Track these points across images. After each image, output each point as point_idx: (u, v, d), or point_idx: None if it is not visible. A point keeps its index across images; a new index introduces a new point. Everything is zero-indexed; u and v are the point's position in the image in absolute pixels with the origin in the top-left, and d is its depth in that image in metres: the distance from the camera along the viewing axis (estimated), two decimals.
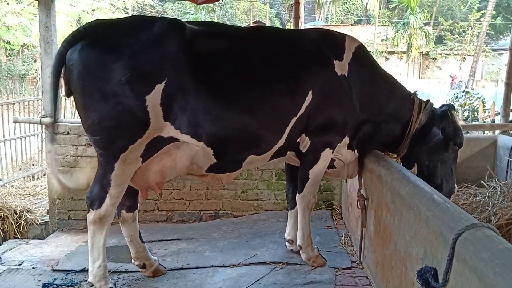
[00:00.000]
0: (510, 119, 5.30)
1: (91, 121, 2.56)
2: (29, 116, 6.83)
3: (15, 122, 5.67)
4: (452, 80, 25.24)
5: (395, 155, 3.37)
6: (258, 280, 3.13)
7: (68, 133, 4.38)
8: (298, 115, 2.93)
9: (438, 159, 3.23)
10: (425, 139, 3.24)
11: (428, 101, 3.33)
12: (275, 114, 2.88)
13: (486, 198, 3.80)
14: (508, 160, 4.42)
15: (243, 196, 4.65)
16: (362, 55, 3.19)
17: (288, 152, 3.16)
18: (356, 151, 3.27)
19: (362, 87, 3.11)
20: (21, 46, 19.50)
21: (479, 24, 28.23)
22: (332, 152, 3.13)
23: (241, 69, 2.80)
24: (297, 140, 3.08)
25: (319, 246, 3.57)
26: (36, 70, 19.89)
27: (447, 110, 3.21)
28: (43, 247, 3.97)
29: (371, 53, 3.53)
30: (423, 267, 1.76)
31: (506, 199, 3.66)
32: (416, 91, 3.41)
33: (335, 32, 3.31)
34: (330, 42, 3.12)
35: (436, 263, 1.73)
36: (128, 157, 2.61)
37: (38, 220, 4.80)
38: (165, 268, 3.31)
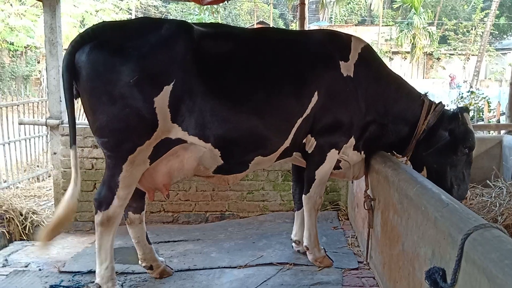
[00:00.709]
0: None
1: (99, 123, 2.57)
2: (33, 117, 6.86)
3: (20, 123, 5.70)
4: (451, 80, 25.17)
5: (401, 156, 3.36)
6: (265, 281, 3.13)
7: None
8: (304, 116, 2.94)
9: (446, 162, 3.14)
10: (431, 141, 3.20)
11: (440, 103, 3.27)
12: (281, 115, 2.89)
13: (492, 198, 3.79)
14: None
15: (249, 197, 4.65)
16: (368, 55, 3.18)
17: (294, 153, 3.16)
18: (362, 152, 3.26)
19: (368, 88, 3.10)
20: (24, 47, 19.61)
21: (483, 24, 28.14)
22: (338, 153, 3.13)
23: (247, 70, 2.81)
24: (303, 141, 3.08)
25: (325, 247, 3.57)
26: (39, 71, 19.99)
27: (458, 112, 3.14)
28: (49, 248, 3.96)
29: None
30: (431, 267, 1.76)
31: None
32: (427, 93, 3.37)
33: (341, 33, 3.31)
34: (335, 43, 3.12)
35: (445, 264, 1.73)
36: (136, 159, 2.63)
37: (43, 222, 4.80)
38: (172, 269, 3.32)
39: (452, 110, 3.28)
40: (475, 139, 3.18)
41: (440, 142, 3.15)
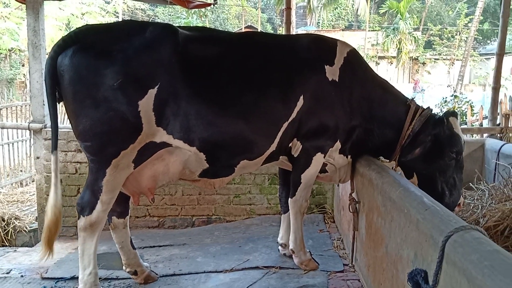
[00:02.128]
0: (497, 122, 5.38)
1: (82, 127, 2.54)
2: (16, 121, 6.76)
3: (2, 127, 5.62)
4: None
5: (388, 161, 3.35)
6: (251, 285, 3.12)
7: None
8: (290, 119, 2.94)
9: (435, 168, 3.12)
10: (415, 146, 3.15)
11: (428, 108, 3.27)
12: (267, 119, 2.89)
13: (475, 200, 3.84)
14: (496, 163, 4.48)
15: (236, 201, 4.64)
16: (354, 60, 3.19)
17: (281, 156, 3.16)
18: (349, 156, 3.27)
19: (353, 92, 3.11)
20: (8, 50, 19.32)
21: (467, 29, 28.68)
22: (324, 157, 3.14)
23: (233, 74, 2.81)
24: (289, 145, 3.08)
25: (311, 249, 3.58)
26: (24, 74, 19.72)
27: (444, 117, 3.12)
28: (32, 254, 3.92)
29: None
30: (413, 269, 1.77)
31: (494, 201, 3.70)
32: (414, 97, 3.37)
33: (327, 37, 3.31)
34: (321, 47, 3.14)
35: (426, 265, 1.75)
36: (120, 163, 2.60)
37: (26, 228, 4.75)
38: (157, 274, 3.29)
39: (439, 114, 3.26)
40: (462, 143, 3.15)
41: (422, 147, 3.10)
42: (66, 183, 4.37)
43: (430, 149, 3.12)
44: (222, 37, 3.01)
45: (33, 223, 4.80)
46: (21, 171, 6.88)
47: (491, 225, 3.29)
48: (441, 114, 3.30)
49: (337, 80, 3.04)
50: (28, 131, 5.93)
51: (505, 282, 1.20)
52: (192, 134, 2.69)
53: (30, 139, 6.74)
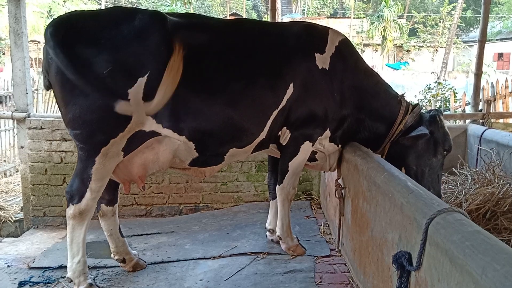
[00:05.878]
0: (479, 108, 5.49)
1: (72, 115, 2.51)
2: None
3: None
4: None
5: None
6: (239, 270, 3.16)
7: (41, 128, 4.27)
8: (280, 107, 2.94)
9: (426, 164, 3.19)
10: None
11: (417, 104, 3.31)
12: (257, 107, 2.88)
13: (458, 185, 3.93)
14: (478, 148, 4.58)
15: (223, 188, 4.66)
16: (345, 49, 3.17)
17: (270, 144, 3.17)
18: (339, 145, 3.28)
19: (344, 81, 3.11)
20: None
21: (450, 17, 28.94)
22: (312, 145, 3.15)
23: (222, 62, 2.79)
24: (279, 133, 3.08)
25: (298, 235, 3.63)
26: (4, 63, 19.20)
27: (436, 115, 3.19)
28: (18, 245, 3.88)
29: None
30: (398, 251, 1.83)
31: (476, 185, 3.79)
32: (404, 93, 3.39)
33: (318, 25, 3.28)
34: (312, 35, 3.11)
35: (410, 247, 1.80)
36: (109, 151, 2.58)
37: (11, 218, 4.69)
38: (145, 262, 3.30)
39: (428, 112, 3.31)
40: (451, 140, 3.24)
41: (420, 141, 3.14)
42: (52, 173, 4.32)
43: (424, 147, 3.17)
44: (212, 24, 2.96)
45: (18, 213, 4.74)
46: (5, 161, 6.77)
47: (473, 208, 3.38)
48: (425, 103, 3.37)
49: (327, 68, 3.03)
50: (11, 121, 5.81)
51: (485, 261, 1.24)
52: (181, 123, 2.68)
53: (13, 129, 6.63)
